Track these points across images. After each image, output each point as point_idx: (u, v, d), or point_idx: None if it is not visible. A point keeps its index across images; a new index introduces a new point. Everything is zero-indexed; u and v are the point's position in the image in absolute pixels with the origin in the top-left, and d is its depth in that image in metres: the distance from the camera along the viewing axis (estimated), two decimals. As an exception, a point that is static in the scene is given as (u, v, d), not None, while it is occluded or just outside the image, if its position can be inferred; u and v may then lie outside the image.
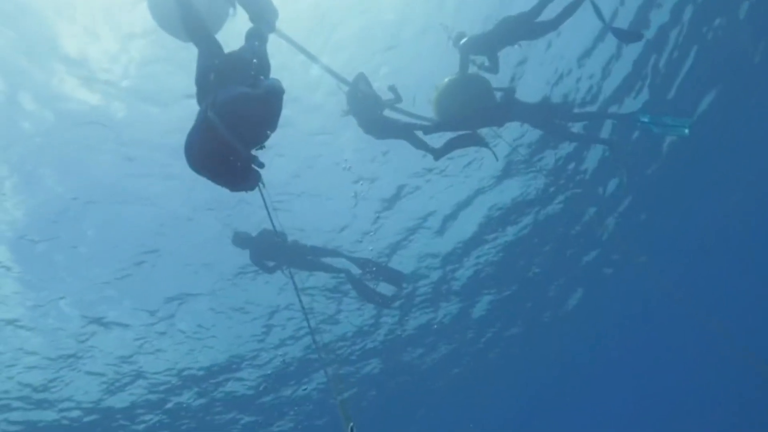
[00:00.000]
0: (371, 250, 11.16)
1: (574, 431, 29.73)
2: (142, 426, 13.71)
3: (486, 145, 6.81)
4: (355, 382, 16.04)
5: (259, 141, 3.54)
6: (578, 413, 27.66)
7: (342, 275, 9.28)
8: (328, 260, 9.10)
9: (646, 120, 8.13)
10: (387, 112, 7.23)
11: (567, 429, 28.90)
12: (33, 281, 9.39)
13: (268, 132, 3.58)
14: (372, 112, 6.99)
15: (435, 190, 10.77)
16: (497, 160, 8.56)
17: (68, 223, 8.91)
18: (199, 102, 3.76)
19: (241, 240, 8.39)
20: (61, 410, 12.22)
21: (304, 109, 8.69)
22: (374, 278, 9.25)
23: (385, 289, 10.49)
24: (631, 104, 10.30)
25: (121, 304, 10.55)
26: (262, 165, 3.47)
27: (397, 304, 13.03)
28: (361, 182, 10.02)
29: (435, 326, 14.99)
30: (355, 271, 9.15)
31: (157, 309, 10.89)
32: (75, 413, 12.48)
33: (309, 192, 9.98)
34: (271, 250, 8.30)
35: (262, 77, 3.98)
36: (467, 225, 12.11)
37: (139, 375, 12.23)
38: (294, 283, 3.97)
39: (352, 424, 2.04)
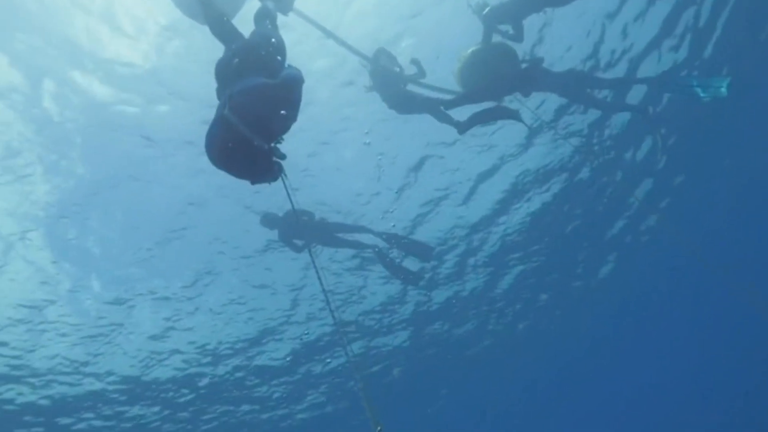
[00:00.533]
0: (393, 226, 11.21)
1: (604, 404, 29.87)
2: (182, 399, 14.25)
3: (515, 117, 6.69)
4: (383, 356, 16.28)
5: (280, 133, 3.49)
6: (608, 386, 27.62)
7: (369, 250, 9.39)
8: (355, 236, 9.22)
9: (681, 82, 7.87)
10: (410, 87, 7.18)
11: (596, 402, 29.04)
12: (65, 262, 9.78)
13: (288, 123, 3.53)
14: (395, 88, 6.96)
15: (459, 160, 10.71)
16: (529, 128, 8.41)
17: (95, 206, 9.28)
18: (219, 96, 3.74)
19: (269, 221, 8.58)
20: (101, 385, 12.76)
21: (325, 83, 8.64)
22: (401, 252, 9.33)
23: (411, 263, 10.57)
24: (660, 66, 9.92)
25: (150, 283, 10.96)
26: (283, 156, 3.45)
27: (424, 281, 13.11)
28: (380, 157, 9.97)
29: (462, 297, 15.03)
30: (383, 246, 9.23)
31: (186, 285, 11.26)
32: (115, 387, 13.00)
33: (331, 167, 10.06)
34: (298, 229, 8.44)
35: (279, 57, 3.97)
36: (492, 194, 12.04)
37: (174, 351, 12.66)
38: (315, 265, 4.00)
39: (380, 428, 2.08)
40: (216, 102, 3.67)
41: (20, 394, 12.01)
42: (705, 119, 11.79)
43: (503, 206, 12.58)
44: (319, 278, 3.86)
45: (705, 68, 10.26)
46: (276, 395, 15.93)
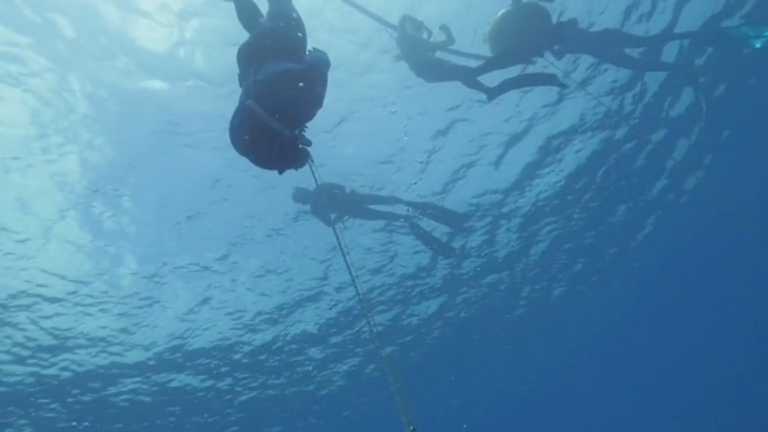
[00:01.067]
0: (417, 195, 11.20)
1: (641, 370, 29.68)
2: (226, 368, 14.82)
3: (553, 81, 6.54)
4: (414, 326, 16.51)
5: (305, 121, 3.45)
6: (645, 354, 27.33)
7: (401, 221, 9.47)
8: (386, 207, 9.30)
9: (729, 33, 7.52)
10: (439, 54, 7.09)
11: (635, 368, 28.87)
12: (102, 239, 10.35)
13: (314, 110, 3.46)
14: (423, 55, 6.89)
15: (488, 124, 10.63)
16: (567, 89, 8.19)
17: (127, 184, 9.73)
18: (241, 83, 3.69)
19: (300, 196, 8.74)
20: (145, 356, 13.65)
21: (347, 51, 8.60)
22: (435, 221, 9.37)
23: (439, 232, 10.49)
24: (701, 17, 9.45)
25: (184, 256, 11.46)
26: (309, 143, 3.40)
27: (456, 253, 13.14)
28: (406, 123, 9.91)
29: (496, 264, 15.03)
30: (415, 216, 9.29)
31: (220, 257, 11.71)
32: (157, 358, 13.84)
33: (358, 134, 10.10)
34: (330, 203, 8.57)
35: (300, 34, 3.94)
36: (524, 157, 11.97)
37: (211, 321, 13.39)
38: (340, 243, 3.95)
39: (413, 427, 2.11)
40: (238, 88, 3.65)
41: (73, 363, 12.87)
42: (750, 71, 11.24)
43: (535, 170, 12.47)
44: (343, 255, 3.87)
45: (751, 17, 9.71)
46: (312, 363, 16.41)
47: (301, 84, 3.31)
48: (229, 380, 15.90)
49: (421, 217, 9.80)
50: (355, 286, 3.65)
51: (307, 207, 9.24)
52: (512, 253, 15.04)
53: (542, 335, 20.76)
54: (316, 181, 3.78)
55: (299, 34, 3.89)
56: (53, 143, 8.53)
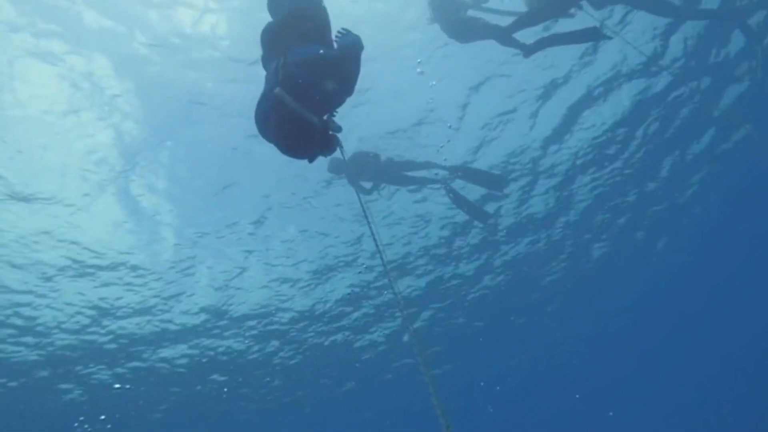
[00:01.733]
0: (445, 159, 11.10)
1: (686, 335, 29.12)
2: (272, 327, 15.64)
3: (596, 36, 6.32)
4: (449, 289, 16.67)
5: (335, 107, 3.38)
6: (692, 316, 26.69)
7: (438, 185, 9.48)
8: (423, 173, 9.32)
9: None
10: (472, 12, 6.95)
11: (679, 333, 28.36)
12: (138, 212, 10.96)
13: (345, 97, 3.39)
14: (455, 15, 6.76)
15: (523, 77, 10.37)
16: (611, 38, 7.86)
17: (162, 157, 10.17)
18: (265, 65, 3.62)
19: (335, 166, 8.82)
20: (190, 321, 14.45)
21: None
22: (473, 184, 9.33)
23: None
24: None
25: (222, 224, 11.95)
26: (339, 129, 3.33)
27: (493, 218, 13.06)
28: (434, 83, 9.80)
29: (534, 222, 14.85)
30: (451, 180, 9.27)
31: (257, 224, 12.12)
32: (201, 323, 14.63)
33: (387, 97, 10.06)
34: (366, 171, 8.65)
35: (325, 16, 3.85)
36: (560, 111, 11.73)
37: (250, 289, 13.94)
38: (365, 212, 3.89)
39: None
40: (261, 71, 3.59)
41: (120, 328, 13.85)
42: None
43: (573, 124, 12.10)
44: (369, 225, 3.83)
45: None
46: (353, 326, 16.88)
47: (333, 71, 3.22)
48: (270, 346, 16.57)
49: (457, 180, 9.77)
50: (381, 257, 3.65)
51: (343, 177, 9.34)
52: (551, 212, 14.79)
53: (582, 298, 20.57)
54: (346, 164, 3.69)
55: (324, 16, 3.83)
56: (89, 118, 8.98)
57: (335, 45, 3.57)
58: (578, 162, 13.39)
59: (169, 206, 11.09)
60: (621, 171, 14.26)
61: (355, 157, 8.79)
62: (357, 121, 10.01)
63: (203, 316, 14.37)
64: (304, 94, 3.09)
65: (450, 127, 10.78)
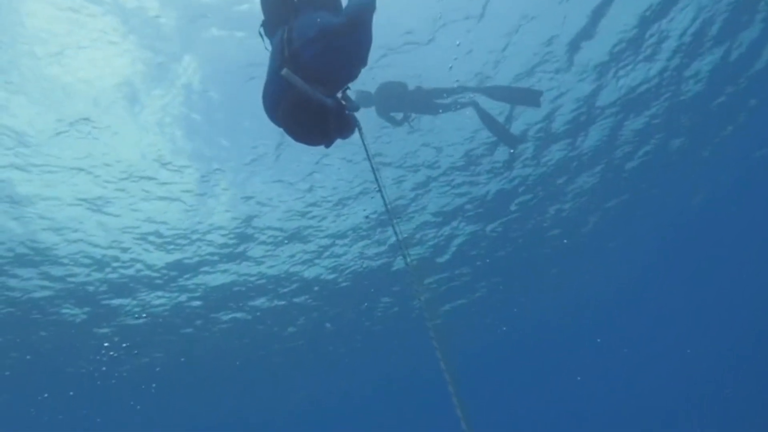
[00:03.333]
0: (456, 80, 10.75)
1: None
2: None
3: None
4: (485, 235, 16.91)
5: (349, 81, 3.12)
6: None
7: (470, 109, 9.38)
8: (453, 98, 9.21)
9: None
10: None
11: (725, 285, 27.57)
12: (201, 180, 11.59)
13: (358, 70, 3.13)
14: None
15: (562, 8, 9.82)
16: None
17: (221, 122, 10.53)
18: (267, 33, 3.38)
19: (363, 99, 8.85)
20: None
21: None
22: (508, 103, 9.13)
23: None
24: None
25: (274, 179, 12.36)
26: (356, 107, 3.09)
27: (522, 143, 12.75)
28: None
29: (579, 154, 14.51)
30: (482, 102, 9.12)
31: (305, 176, 12.47)
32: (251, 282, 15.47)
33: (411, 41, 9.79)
34: (395, 102, 8.65)
35: None
36: (617, 27, 10.93)
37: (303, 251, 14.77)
38: (369, 155, 3.49)
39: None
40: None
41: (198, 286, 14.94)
42: None
43: (627, 43, 11.42)
44: (364, 145, 3.48)
45: None
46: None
47: (342, 42, 2.94)
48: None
49: (476, 99, 9.52)
50: (385, 203, 3.41)
51: (372, 110, 9.37)
52: (601, 141, 14.34)
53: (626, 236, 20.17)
54: (367, 153, 3.38)
55: None
56: (149, 93, 9.42)
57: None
58: (632, 96, 12.69)
59: (227, 171, 11.58)
60: (676, 92, 13.50)
61: (381, 88, 8.78)
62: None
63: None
64: (313, 73, 2.86)
65: (458, 45, 10.27)
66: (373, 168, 3.28)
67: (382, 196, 3.35)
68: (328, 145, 3.03)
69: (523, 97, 9.81)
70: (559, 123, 13.02)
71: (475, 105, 9.48)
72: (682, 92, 13.41)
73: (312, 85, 2.79)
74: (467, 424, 2.35)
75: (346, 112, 2.99)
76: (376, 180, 3.27)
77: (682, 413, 38.11)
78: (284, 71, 2.76)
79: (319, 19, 2.97)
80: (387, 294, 18.96)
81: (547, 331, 28.16)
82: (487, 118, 9.76)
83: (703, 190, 19.11)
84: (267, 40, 3.46)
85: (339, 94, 3.11)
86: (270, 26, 3.38)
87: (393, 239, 15.44)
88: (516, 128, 12.52)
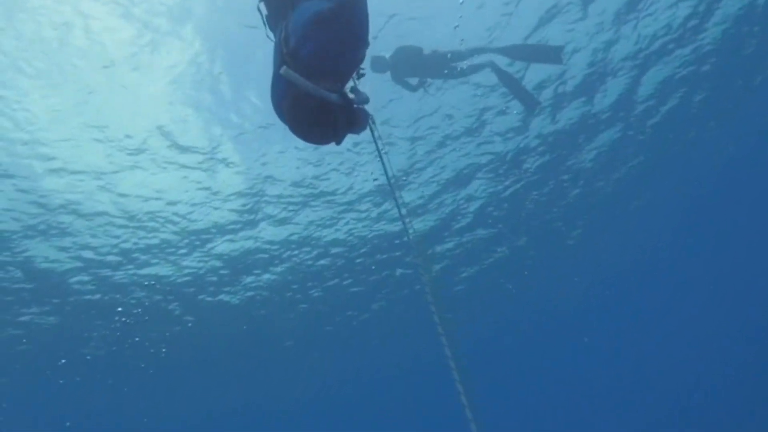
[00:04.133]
0: (461, 40, 10.61)
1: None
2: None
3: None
4: (508, 196, 16.85)
5: (355, 68, 2.96)
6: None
7: (488, 69, 9.26)
8: (471, 60, 9.11)
9: None
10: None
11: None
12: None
13: (361, 52, 2.94)
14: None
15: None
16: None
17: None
18: (272, 27, 3.25)
19: (378, 64, 8.81)
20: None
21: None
22: (529, 62, 8.99)
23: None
24: None
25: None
26: (366, 99, 2.90)
27: (541, 107, 12.57)
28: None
29: (595, 116, 14.32)
30: (501, 62, 9.00)
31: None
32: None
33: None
34: (410, 67, 8.60)
35: None
36: None
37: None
38: (375, 138, 3.41)
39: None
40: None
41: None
42: None
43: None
44: (375, 143, 3.39)
45: None
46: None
47: (337, 30, 2.75)
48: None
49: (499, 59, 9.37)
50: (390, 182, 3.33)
51: (387, 75, 9.32)
52: (612, 99, 14.08)
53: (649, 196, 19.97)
54: (379, 152, 3.27)
55: None
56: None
57: None
58: (647, 51, 12.38)
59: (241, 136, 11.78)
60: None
61: (397, 52, 8.71)
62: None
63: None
64: (315, 68, 2.72)
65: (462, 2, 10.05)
66: (384, 165, 3.19)
67: (395, 199, 3.29)
68: (338, 143, 2.96)
69: (543, 54, 9.61)
70: (575, 79, 12.89)
71: (493, 65, 9.38)
72: (705, 42, 13.06)
73: (317, 80, 2.69)
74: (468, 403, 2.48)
75: (354, 105, 2.86)
76: (388, 180, 3.20)
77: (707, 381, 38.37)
78: (283, 70, 2.68)
79: (309, 11, 2.78)
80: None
81: (567, 302, 28.38)
82: (506, 78, 9.65)
83: (731, 146, 18.78)
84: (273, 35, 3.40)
85: (350, 84, 2.99)
86: (272, 21, 3.28)
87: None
88: (530, 86, 12.48)
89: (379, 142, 3.24)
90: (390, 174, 3.25)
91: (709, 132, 17.52)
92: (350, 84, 3.00)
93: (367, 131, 3.16)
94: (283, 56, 2.78)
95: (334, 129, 2.82)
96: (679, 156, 18.30)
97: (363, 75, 3.10)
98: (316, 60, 2.71)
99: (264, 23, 3.34)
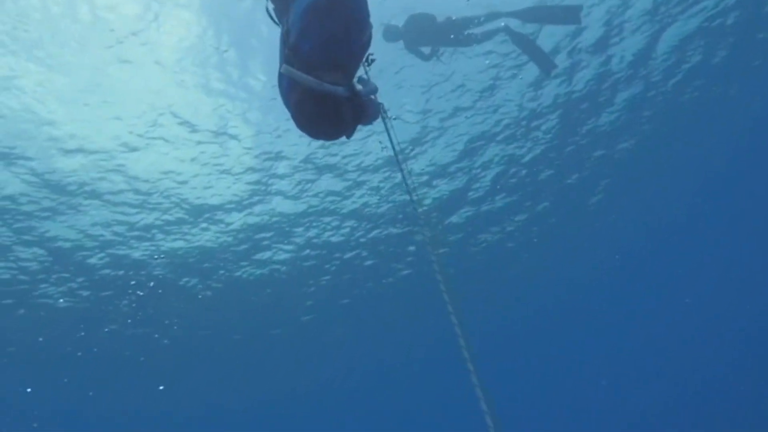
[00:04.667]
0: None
1: None
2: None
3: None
4: (523, 168, 16.84)
5: (361, 56, 2.85)
6: None
7: (502, 34, 9.06)
8: (485, 27, 8.91)
9: None
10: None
11: None
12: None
13: (364, 36, 2.82)
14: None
15: None
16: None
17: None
18: (278, 21, 3.17)
19: (390, 33, 8.70)
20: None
21: None
22: (546, 24, 8.78)
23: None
24: None
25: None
26: (374, 89, 2.83)
27: (557, 70, 12.26)
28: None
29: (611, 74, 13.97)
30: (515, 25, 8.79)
31: None
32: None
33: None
34: (423, 35, 8.46)
35: None
36: None
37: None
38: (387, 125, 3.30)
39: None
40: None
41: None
42: None
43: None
44: (388, 133, 3.31)
45: None
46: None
47: (334, 15, 2.64)
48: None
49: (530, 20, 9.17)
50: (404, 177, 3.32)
51: (400, 44, 9.17)
52: (628, 57, 13.68)
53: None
54: (391, 140, 3.18)
55: None
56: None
57: None
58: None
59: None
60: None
61: (410, 21, 8.55)
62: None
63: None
64: (319, 62, 2.64)
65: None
66: (397, 157, 3.09)
67: (410, 194, 3.10)
68: (349, 136, 2.85)
69: (561, 14, 9.32)
70: (590, 36, 12.52)
71: (508, 30, 9.16)
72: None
73: (322, 74, 2.61)
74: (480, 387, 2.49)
75: (362, 97, 2.76)
76: (402, 175, 3.17)
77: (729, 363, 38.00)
78: (283, 68, 2.64)
79: (305, 1, 2.69)
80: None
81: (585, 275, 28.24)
82: (522, 42, 9.44)
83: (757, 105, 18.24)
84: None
85: (360, 72, 2.90)
86: (279, 15, 3.21)
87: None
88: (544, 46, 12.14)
89: (392, 132, 3.15)
90: (404, 169, 3.16)
91: (734, 89, 17.05)
92: (360, 73, 2.91)
93: (379, 121, 3.06)
94: (286, 54, 2.71)
95: (341, 122, 2.71)
96: (703, 115, 17.87)
97: (373, 61, 2.97)
98: (318, 53, 2.63)
99: (274, 20, 3.25)
